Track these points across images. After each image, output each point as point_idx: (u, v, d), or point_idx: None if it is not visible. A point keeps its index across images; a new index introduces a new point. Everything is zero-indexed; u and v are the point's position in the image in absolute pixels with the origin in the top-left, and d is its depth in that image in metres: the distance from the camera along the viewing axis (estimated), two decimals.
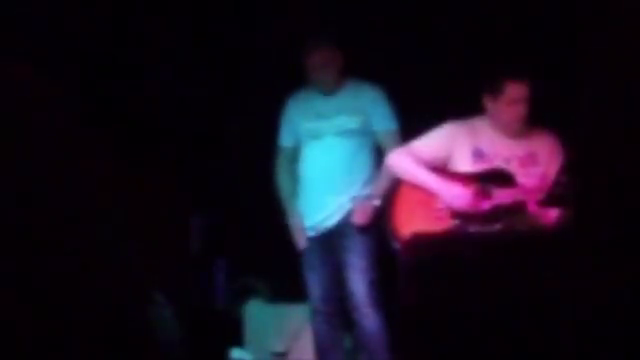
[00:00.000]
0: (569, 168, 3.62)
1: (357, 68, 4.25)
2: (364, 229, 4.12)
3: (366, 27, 4.63)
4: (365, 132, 4.18)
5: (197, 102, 4.89)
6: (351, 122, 4.17)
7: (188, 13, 4.70)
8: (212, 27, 4.77)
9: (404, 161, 3.90)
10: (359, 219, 4.11)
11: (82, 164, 1.13)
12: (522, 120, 3.78)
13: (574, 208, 3.48)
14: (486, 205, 3.75)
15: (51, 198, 1.09)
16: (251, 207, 4.92)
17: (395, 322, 4.03)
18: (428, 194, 3.83)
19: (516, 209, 3.71)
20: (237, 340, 4.80)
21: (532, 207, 3.69)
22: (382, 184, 4.11)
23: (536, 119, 3.82)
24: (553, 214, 3.66)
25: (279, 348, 4.75)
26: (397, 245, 3.82)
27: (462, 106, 3.87)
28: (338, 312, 4.24)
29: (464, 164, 3.82)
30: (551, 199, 3.63)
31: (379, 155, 4.20)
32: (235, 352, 4.77)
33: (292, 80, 4.36)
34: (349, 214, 4.15)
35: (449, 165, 3.86)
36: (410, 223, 3.80)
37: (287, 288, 4.66)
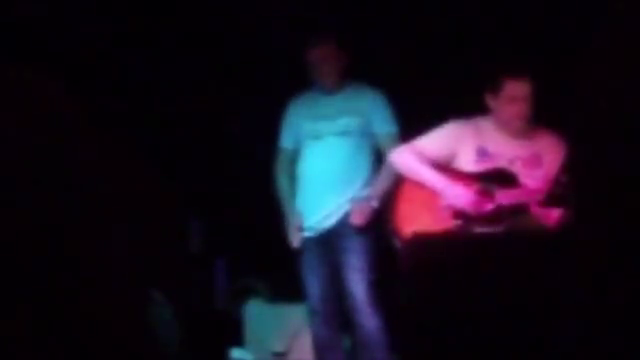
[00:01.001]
0: (569, 168, 3.62)
1: (357, 70, 4.26)
2: (362, 230, 4.13)
3: (366, 28, 4.63)
4: (365, 133, 4.19)
5: (197, 102, 4.89)
6: (352, 123, 4.18)
7: (188, 13, 4.70)
8: (213, 27, 4.77)
9: (408, 158, 3.89)
10: (356, 220, 4.11)
11: (82, 164, 1.13)
12: (524, 119, 3.77)
13: (574, 208, 3.48)
14: (489, 206, 3.75)
15: (51, 198, 1.09)
16: (251, 207, 4.92)
17: (395, 322, 4.04)
18: (431, 193, 3.82)
19: (519, 210, 3.71)
20: (237, 340, 4.80)
21: (535, 208, 3.69)
22: (381, 186, 4.12)
23: (536, 118, 3.82)
24: (555, 215, 3.65)
25: (279, 348, 4.75)
26: (398, 243, 3.81)
27: (462, 107, 3.87)
28: (336, 312, 4.24)
29: (468, 163, 3.82)
30: (551, 199, 3.62)
31: (378, 157, 4.21)
32: (235, 352, 4.77)
33: (293, 81, 4.37)
34: (347, 215, 4.16)
35: (453, 164, 3.85)
36: (412, 222, 3.79)
37: (287, 288, 4.66)
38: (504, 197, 3.72)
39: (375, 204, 4.11)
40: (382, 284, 4.12)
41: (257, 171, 4.50)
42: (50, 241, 1.07)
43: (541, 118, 3.82)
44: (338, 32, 4.30)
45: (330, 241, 4.19)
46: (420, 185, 3.85)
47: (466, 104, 3.87)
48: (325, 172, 4.17)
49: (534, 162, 3.79)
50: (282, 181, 4.33)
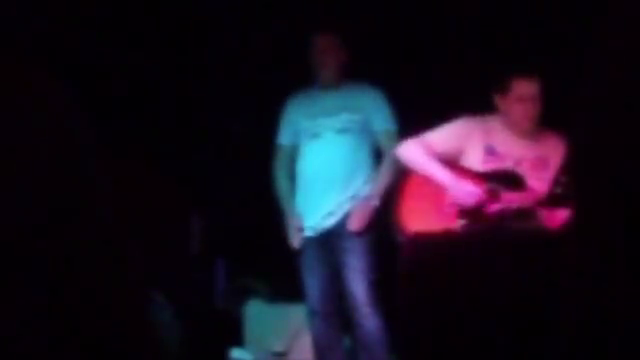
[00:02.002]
0: (569, 168, 3.61)
1: (357, 69, 4.26)
2: (362, 230, 4.12)
3: (366, 28, 4.63)
4: (364, 131, 4.17)
5: (197, 102, 4.89)
6: (351, 120, 4.16)
7: (188, 13, 4.70)
8: (212, 27, 4.77)
9: (415, 152, 3.84)
10: (354, 226, 4.10)
11: (82, 164, 1.13)
12: (533, 119, 3.75)
13: (574, 208, 3.47)
14: (495, 207, 3.73)
15: (51, 198, 1.09)
16: (251, 207, 4.92)
17: (395, 322, 4.03)
18: (437, 189, 3.78)
19: (524, 213, 3.69)
20: (237, 340, 4.80)
21: (539, 211, 3.67)
22: (381, 184, 4.11)
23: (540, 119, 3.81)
24: (561, 217, 3.63)
25: (279, 348, 4.75)
26: (402, 239, 3.79)
27: (463, 107, 3.87)
28: (336, 312, 4.23)
29: (475, 161, 3.79)
30: (551, 199, 3.61)
31: (377, 155, 4.20)
32: (235, 352, 4.77)
33: (292, 80, 4.37)
34: (348, 215, 4.15)
35: (460, 161, 3.82)
36: (418, 218, 3.77)
37: (287, 288, 4.66)
38: (510, 199, 3.70)
39: (376, 203, 4.10)
40: (382, 284, 4.12)
41: (257, 171, 4.50)
42: (49, 241, 1.07)
43: (543, 118, 3.82)
44: (339, 25, 4.29)
45: (330, 241, 4.19)
46: (426, 181, 3.82)
47: (466, 104, 3.87)
48: (325, 170, 4.15)
49: (541, 164, 3.76)
50: (281, 181, 4.32)
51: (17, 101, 1.09)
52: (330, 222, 4.17)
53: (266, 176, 4.36)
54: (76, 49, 4.22)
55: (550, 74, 3.91)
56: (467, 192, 3.73)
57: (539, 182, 3.71)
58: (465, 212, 3.75)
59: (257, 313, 4.86)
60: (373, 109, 4.19)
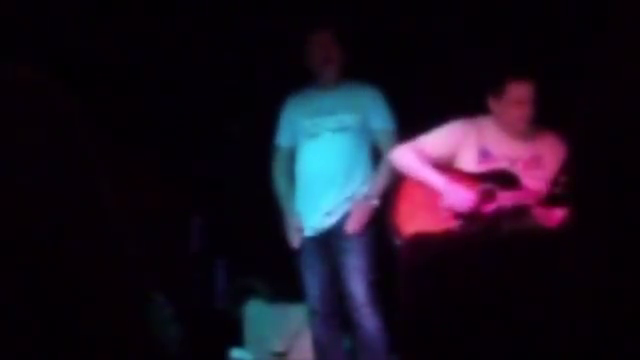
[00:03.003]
0: (569, 167, 3.62)
1: (356, 68, 4.25)
2: (362, 229, 4.12)
3: (366, 27, 4.63)
4: (363, 130, 4.17)
5: (197, 102, 4.89)
6: (350, 119, 4.16)
7: (188, 13, 4.70)
8: (212, 27, 4.77)
9: (409, 157, 3.87)
10: (352, 227, 4.10)
11: (82, 164, 1.13)
12: (527, 121, 3.76)
13: (574, 208, 3.47)
14: (491, 206, 3.74)
15: (50, 198, 1.09)
16: (251, 207, 4.92)
17: (395, 322, 4.03)
18: (432, 192, 3.81)
19: (520, 211, 3.70)
20: (237, 340, 4.80)
21: (536, 209, 3.68)
22: (380, 183, 4.11)
23: (537, 119, 3.81)
24: (557, 216, 3.64)
25: (279, 348, 4.75)
26: (399, 242, 3.80)
27: (462, 107, 3.87)
28: (336, 313, 4.23)
29: (469, 163, 3.81)
30: (551, 199, 3.62)
31: (375, 155, 4.20)
32: (235, 352, 4.77)
33: (292, 80, 4.36)
34: (347, 215, 4.15)
35: (454, 163, 3.84)
36: (413, 221, 3.78)
37: (287, 288, 4.66)
38: (506, 198, 3.72)
39: (376, 202, 4.10)
40: (382, 284, 4.12)
41: (257, 171, 4.50)
42: (49, 241, 1.07)
43: (542, 118, 3.82)
44: (338, 23, 4.28)
45: (330, 241, 4.19)
46: (421, 184, 3.84)
47: (466, 104, 3.87)
48: (324, 169, 4.15)
49: (535, 163, 3.78)
50: (280, 181, 4.32)
51: (18, 101, 1.09)
52: (329, 222, 4.17)
53: (266, 176, 4.36)
54: (76, 49, 4.22)
55: (550, 74, 3.91)
56: (461, 197, 3.75)
57: (534, 181, 3.72)
58: (461, 213, 3.76)
59: (257, 313, 4.86)
60: (372, 109, 4.19)
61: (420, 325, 2.84)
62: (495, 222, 3.70)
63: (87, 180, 1.14)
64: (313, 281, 4.22)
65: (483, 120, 3.85)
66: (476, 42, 4.48)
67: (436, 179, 3.80)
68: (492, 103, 3.79)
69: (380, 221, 4.04)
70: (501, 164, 3.78)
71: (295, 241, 4.23)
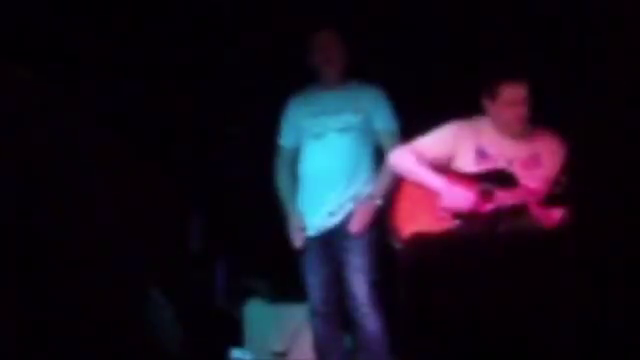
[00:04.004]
0: (569, 168, 3.62)
1: (357, 68, 4.26)
2: (365, 229, 4.12)
3: (366, 28, 4.63)
4: (366, 130, 4.18)
5: (197, 102, 4.89)
6: (353, 119, 4.17)
7: (188, 13, 4.70)
8: (212, 27, 4.77)
9: (407, 159, 3.89)
10: (357, 226, 4.10)
11: (82, 164, 1.13)
12: (522, 121, 3.78)
13: (573, 208, 3.48)
14: (489, 206, 3.75)
15: (52, 198, 1.09)
16: (251, 207, 4.92)
17: (395, 322, 4.04)
18: (430, 193, 3.82)
19: (518, 211, 3.71)
20: (237, 340, 4.80)
21: (535, 209, 3.69)
22: (384, 183, 4.11)
23: (536, 118, 3.82)
24: (556, 216, 3.65)
25: (279, 348, 4.75)
26: (398, 244, 3.81)
27: (461, 107, 3.87)
28: (337, 313, 4.23)
29: (467, 164, 3.82)
30: (550, 199, 3.62)
31: (378, 154, 4.20)
32: (235, 352, 4.77)
33: (293, 80, 4.37)
34: (351, 215, 4.15)
35: (452, 164, 3.85)
36: (412, 222, 3.79)
37: (287, 288, 4.66)
38: (504, 197, 3.72)
39: (379, 202, 4.10)
40: (382, 284, 4.12)
41: (258, 171, 4.50)
42: (50, 241, 1.07)
43: (541, 118, 3.82)
44: (340, 23, 4.29)
45: (332, 241, 4.19)
46: (419, 185, 3.86)
47: (466, 104, 3.87)
48: (327, 169, 4.16)
49: (532, 163, 3.79)
50: (283, 181, 4.32)
51: (17, 101, 1.09)
52: (332, 222, 4.17)
53: (267, 176, 4.36)
54: (75, 48, 4.22)
55: (550, 75, 3.91)
56: (460, 197, 3.76)
57: (532, 180, 3.73)
58: (459, 213, 3.77)
59: (257, 313, 4.86)
60: (374, 109, 4.20)
61: (420, 325, 2.84)
62: (494, 222, 3.71)
63: (87, 181, 1.14)
64: (315, 281, 4.22)
65: (480, 120, 3.86)
66: (476, 42, 4.48)
67: (435, 180, 3.81)
68: (487, 105, 3.80)
69: (382, 221, 4.04)
70: (499, 164, 3.79)
71: (298, 241, 4.23)
